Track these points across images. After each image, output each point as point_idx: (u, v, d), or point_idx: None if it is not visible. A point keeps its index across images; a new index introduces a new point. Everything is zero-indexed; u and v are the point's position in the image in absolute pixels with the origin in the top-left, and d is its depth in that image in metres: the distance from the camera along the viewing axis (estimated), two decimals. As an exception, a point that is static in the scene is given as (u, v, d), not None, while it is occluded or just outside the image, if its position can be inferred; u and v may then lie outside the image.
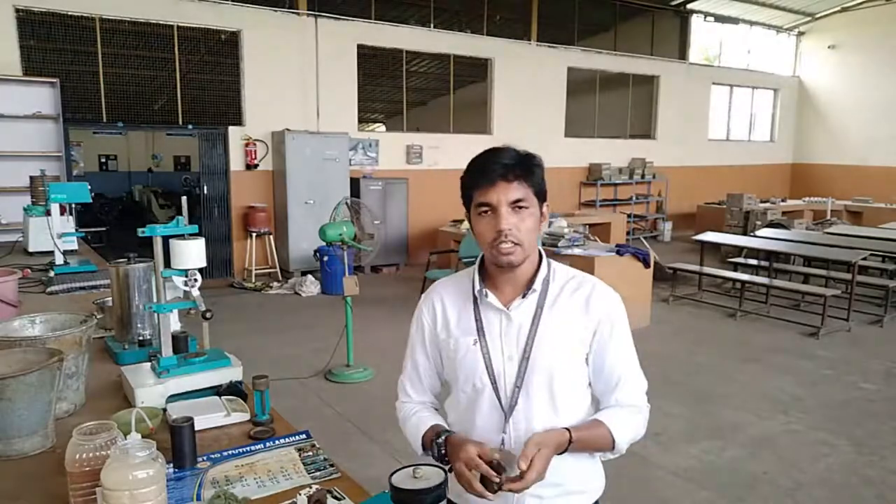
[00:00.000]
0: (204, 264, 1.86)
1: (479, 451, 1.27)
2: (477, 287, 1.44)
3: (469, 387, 1.44)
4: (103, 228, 8.73)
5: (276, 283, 8.35)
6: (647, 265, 6.46)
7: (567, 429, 1.34)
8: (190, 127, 8.40)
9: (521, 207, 1.34)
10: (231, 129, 8.52)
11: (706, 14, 13.45)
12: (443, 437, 1.39)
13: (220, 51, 8.57)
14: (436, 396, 1.59)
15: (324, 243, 5.37)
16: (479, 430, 1.42)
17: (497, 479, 1.24)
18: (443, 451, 1.37)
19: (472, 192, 1.37)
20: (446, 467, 1.33)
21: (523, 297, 1.41)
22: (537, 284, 1.41)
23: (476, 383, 1.42)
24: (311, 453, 1.58)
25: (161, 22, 7.92)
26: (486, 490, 1.25)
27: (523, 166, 1.35)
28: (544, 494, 1.39)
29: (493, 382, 1.40)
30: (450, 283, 1.54)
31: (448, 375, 1.52)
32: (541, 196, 1.38)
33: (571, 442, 1.32)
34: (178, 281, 1.84)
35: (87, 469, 1.22)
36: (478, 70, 10.87)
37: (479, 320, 1.43)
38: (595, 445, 1.39)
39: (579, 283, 1.44)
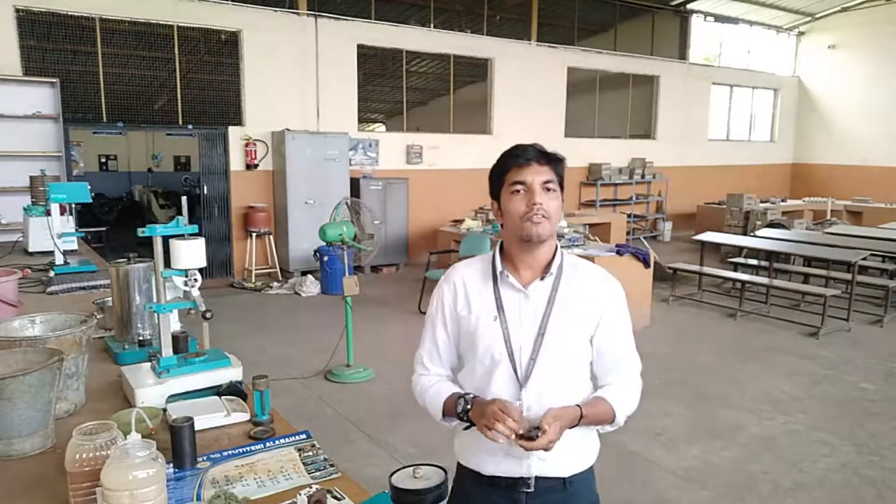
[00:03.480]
0: (204, 264, 1.86)
1: (505, 404, 1.41)
2: (499, 268, 1.57)
3: (487, 359, 1.55)
4: (103, 228, 8.75)
5: (276, 283, 8.35)
6: (647, 265, 6.46)
7: (579, 406, 1.49)
8: (190, 127, 8.39)
9: (549, 189, 1.51)
10: (231, 129, 8.52)
11: (706, 14, 13.45)
12: (472, 395, 1.53)
13: (220, 51, 8.57)
14: (451, 370, 1.69)
15: (324, 243, 5.37)
16: (496, 396, 1.52)
17: (515, 427, 1.36)
18: (468, 406, 1.50)
19: (506, 174, 1.53)
20: (465, 424, 1.51)
21: (541, 279, 1.55)
22: (554, 269, 1.55)
23: (494, 356, 1.54)
24: (311, 453, 1.58)
25: (161, 22, 7.92)
26: (503, 434, 1.37)
27: (552, 156, 1.54)
28: (549, 457, 1.51)
29: (511, 355, 1.53)
30: (470, 264, 1.67)
31: (464, 349, 1.63)
32: (562, 187, 1.55)
33: (582, 417, 1.48)
34: (178, 281, 1.84)
35: (87, 469, 1.22)
36: (478, 70, 10.87)
37: (498, 298, 1.56)
38: (600, 420, 1.55)
39: (587, 272, 1.61)
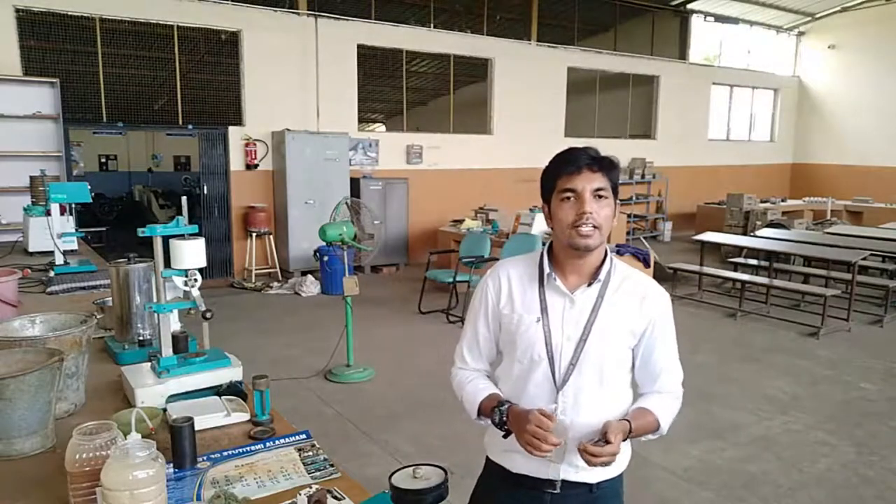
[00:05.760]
0: (204, 264, 1.86)
1: (545, 418, 1.42)
2: (547, 270, 1.56)
3: (526, 359, 1.55)
4: (103, 228, 8.74)
5: (276, 283, 8.35)
6: (647, 265, 6.47)
7: (628, 421, 1.48)
8: (190, 127, 8.40)
9: (601, 196, 1.48)
10: (231, 129, 8.52)
11: (706, 14, 13.45)
12: (506, 406, 1.52)
13: (220, 51, 8.57)
14: (490, 364, 1.71)
15: (324, 243, 5.37)
16: (531, 398, 1.54)
17: (559, 443, 1.41)
18: (504, 418, 1.51)
19: (557, 180, 1.51)
20: (502, 432, 1.51)
21: (588, 285, 1.54)
22: (602, 275, 1.54)
23: (534, 357, 1.54)
24: (311, 453, 1.58)
25: (161, 22, 7.92)
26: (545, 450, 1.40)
27: (605, 162, 1.51)
28: (580, 465, 1.51)
29: (550, 358, 1.52)
30: (516, 263, 1.65)
31: (504, 346, 1.63)
32: (616, 193, 1.52)
33: (631, 432, 1.48)
34: (178, 281, 1.84)
35: (87, 469, 1.22)
36: (478, 70, 10.87)
37: (543, 300, 1.55)
38: (646, 431, 1.55)
39: (637, 281, 1.59)
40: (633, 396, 1.63)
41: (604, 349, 1.52)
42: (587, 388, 1.52)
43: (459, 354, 1.70)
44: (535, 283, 1.57)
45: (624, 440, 1.47)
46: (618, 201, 1.54)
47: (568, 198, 1.48)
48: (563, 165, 1.50)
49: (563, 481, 1.55)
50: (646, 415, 1.54)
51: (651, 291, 1.58)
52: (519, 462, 1.56)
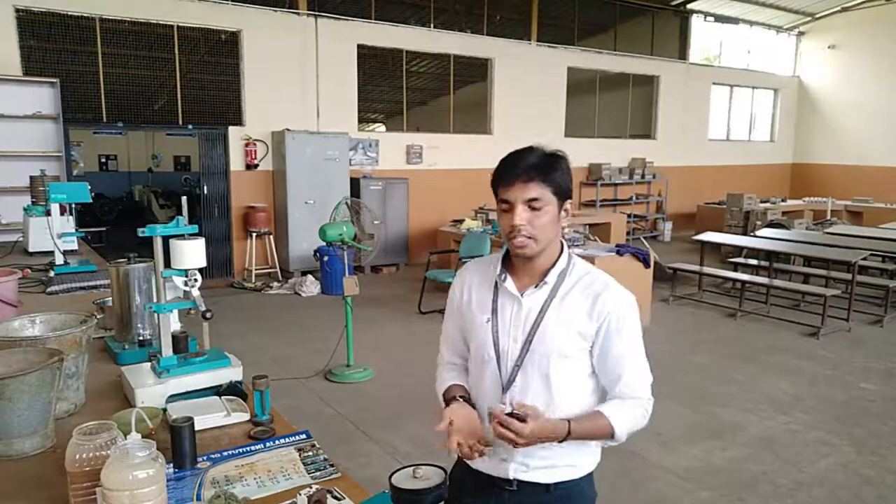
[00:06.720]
0: (204, 264, 1.87)
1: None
2: (497, 272, 1.59)
3: (479, 357, 1.60)
4: (103, 228, 8.75)
5: (276, 283, 8.35)
6: (647, 265, 6.46)
7: (567, 421, 1.44)
8: (190, 127, 8.40)
9: (535, 207, 1.46)
10: (231, 129, 8.52)
11: (706, 14, 13.44)
12: (461, 397, 1.60)
13: (220, 51, 8.57)
14: (464, 359, 1.74)
15: (324, 243, 5.37)
16: (484, 394, 1.59)
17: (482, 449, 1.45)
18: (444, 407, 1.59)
19: (497, 188, 1.51)
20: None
21: (536, 287, 1.54)
22: (550, 277, 1.54)
23: (484, 356, 1.58)
24: (311, 453, 1.59)
25: (161, 22, 7.92)
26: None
27: (543, 167, 1.47)
28: (531, 465, 1.54)
29: (498, 358, 1.56)
30: (479, 265, 1.71)
31: (468, 343, 1.69)
32: (561, 195, 1.49)
33: (570, 433, 1.43)
34: (178, 281, 1.84)
35: (87, 469, 1.22)
36: (478, 70, 10.87)
37: (495, 302, 1.59)
38: (595, 435, 1.50)
39: (592, 281, 1.55)
40: (600, 401, 1.59)
41: (549, 351, 1.50)
42: (533, 390, 1.52)
43: (441, 346, 1.77)
44: (491, 284, 1.60)
45: (562, 441, 1.43)
46: (569, 202, 1.51)
47: (505, 209, 1.48)
48: (500, 177, 1.49)
49: (518, 481, 1.55)
50: (595, 418, 1.48)
51: (606, 291, 1.52)
52: (476, 460, 1.59)
